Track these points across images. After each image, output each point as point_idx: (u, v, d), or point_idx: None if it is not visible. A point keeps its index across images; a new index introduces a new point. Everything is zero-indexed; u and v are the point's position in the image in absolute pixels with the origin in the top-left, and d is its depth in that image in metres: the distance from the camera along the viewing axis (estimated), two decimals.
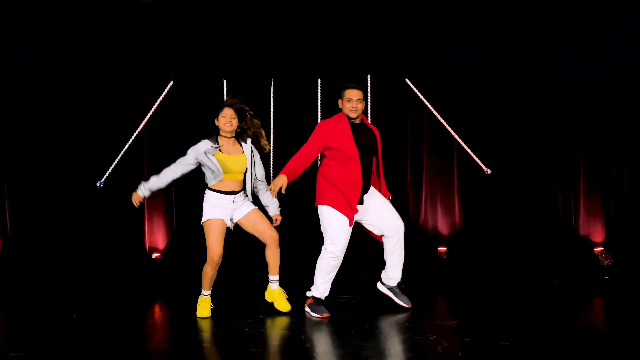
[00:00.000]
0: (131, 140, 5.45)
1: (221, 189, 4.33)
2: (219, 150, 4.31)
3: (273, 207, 4.58)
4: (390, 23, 5.94)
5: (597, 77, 5.83)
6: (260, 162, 4.56)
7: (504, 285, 5.27)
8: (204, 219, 4.32)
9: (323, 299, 4.41)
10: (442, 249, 6.11)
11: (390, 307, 4.48)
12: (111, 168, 5.36)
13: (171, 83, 5.59)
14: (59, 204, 5.89)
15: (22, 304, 4.92)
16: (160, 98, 5.55)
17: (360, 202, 4.33)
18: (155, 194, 5.86)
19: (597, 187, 5.99)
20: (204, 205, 4.35)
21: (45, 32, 5.77)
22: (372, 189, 4.48)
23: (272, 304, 4.51)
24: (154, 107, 5.53)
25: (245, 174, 4.43)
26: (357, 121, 4.39)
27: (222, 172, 4.27)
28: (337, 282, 4.53)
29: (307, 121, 5.61)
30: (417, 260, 5.84)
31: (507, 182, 5.97)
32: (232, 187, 4.37)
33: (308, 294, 4.45)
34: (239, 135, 4.49)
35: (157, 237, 5.98)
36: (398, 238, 4.40)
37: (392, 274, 4.49)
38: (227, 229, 4.37)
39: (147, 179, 5.82)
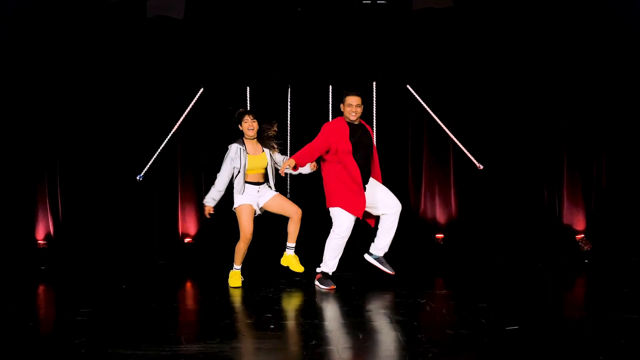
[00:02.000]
0: (167, 139, 6.23)
1: (248, 180, 5.15)
2: (247, 152, 5.16)
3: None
4: (391, 24, 6.59)
5: (578, 75, 6.46)
6: (280, 155, 5.38)
7: (494, 267, 5.94)
8: (235, 205, 5.12)
9: (330, 273, 5.13)
10: (439, 235, 6.75)
11: (389, 281, 5.18)
12: (149, 163, 6.13)
13: (201, 90, 6.37)
14: (103, 196, 6.64)
15: (76, 280, 5.74)
16: (192, 103, 6.33)
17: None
18: (187, 186, 6.71)
19: (579, 180, 6.56)
20: (234, 195, 5.15)
21: (87, 39, 6.50)
22: (371, 179, 5.16)
23: (287, 268, 5.27)
24: (187, 111, 6.31)
25: (266, 168, 5.24)
26: (356, 122, 5.10)
27: (246, 169, 5.13)
28: (346, 261, 5.25)
29: (319, 122, 6.31)
30: (417, 246, 6.60)
31: (498, 176, 6.57)
32: (256, 179, 5.19)
33: (318, 269, 5.18)
34: (260, 137, 5.30)
35: (189, 224, 6.69)
36: (396, 216, 5.09)
37: (381, 246, 5.16)
38: (255, 215, 5.17)
39: (180, 172, 6.69)
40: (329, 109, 6.48)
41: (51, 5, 6.42)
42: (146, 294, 4.96)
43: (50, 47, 6.48)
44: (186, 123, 6.36)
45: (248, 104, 6.48)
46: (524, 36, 6.56)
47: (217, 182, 5.17)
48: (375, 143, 5.21)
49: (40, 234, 6.58)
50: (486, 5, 6.57)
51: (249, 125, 5.20)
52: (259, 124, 5.27)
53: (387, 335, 3.73)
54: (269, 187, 5.28)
